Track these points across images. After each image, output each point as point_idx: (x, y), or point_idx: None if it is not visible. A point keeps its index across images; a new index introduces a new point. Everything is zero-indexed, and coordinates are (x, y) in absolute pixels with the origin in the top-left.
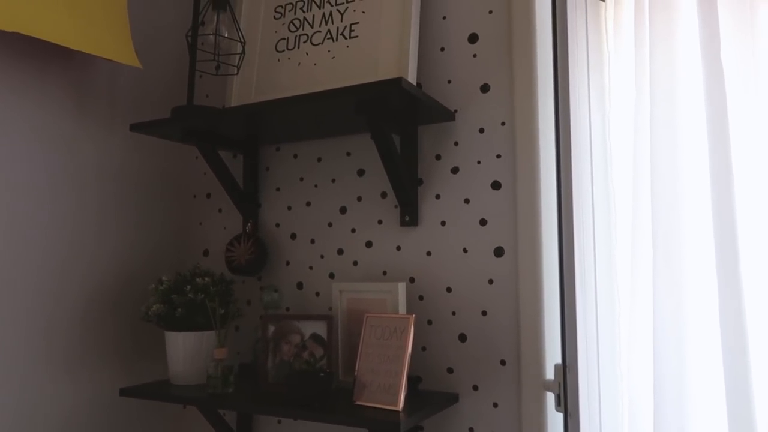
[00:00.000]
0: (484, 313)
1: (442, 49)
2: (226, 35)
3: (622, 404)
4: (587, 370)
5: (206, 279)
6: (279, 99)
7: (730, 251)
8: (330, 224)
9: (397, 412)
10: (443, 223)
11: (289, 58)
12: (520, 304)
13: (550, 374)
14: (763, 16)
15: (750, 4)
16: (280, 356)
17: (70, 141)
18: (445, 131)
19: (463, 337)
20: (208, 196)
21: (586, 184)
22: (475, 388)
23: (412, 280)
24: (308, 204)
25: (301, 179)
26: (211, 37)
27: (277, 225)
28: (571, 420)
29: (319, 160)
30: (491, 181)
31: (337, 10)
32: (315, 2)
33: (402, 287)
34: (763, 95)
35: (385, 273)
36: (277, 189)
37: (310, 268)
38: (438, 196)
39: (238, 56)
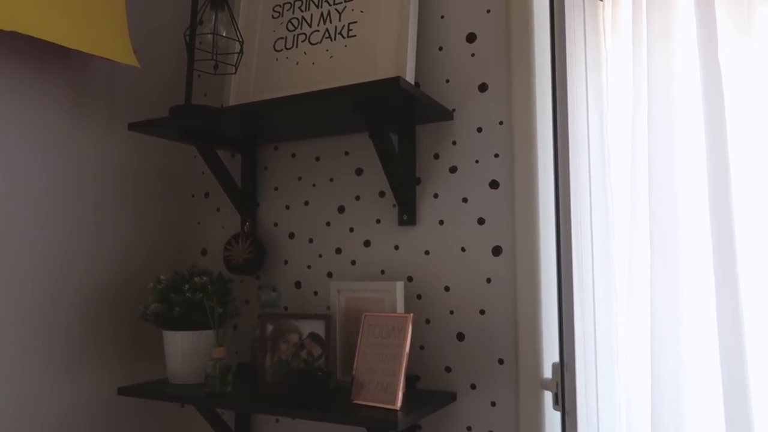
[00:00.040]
0: (482, 312)
1: (440, 49)
2: (224, 34)
3: (619, 403)
4: (585, 369)
5: (204, 278)
6: (277, 98)
7: (728, 251)
8: (328, 223)
9: (395, 411)
10: (441, 223)
11: (287, 58)
12: (518, 303)
13: (547, 373)
14: (761, 15)
15: (747, 4)
16: (278, 355)
17: (68, 140)
18: (443, 130)
19: (461, 336)
20: (207, 195)
21: (584, 184)
22: (473, 386)
23: (410, 279)
24: (306, 203)
25: (300, 178)
26: (210, 37)
27: (276, 224)
28: (569, 419)
29: (318, 159)
30: (489, 181)
31: (336, 9)
32: (313, 1)
33: (400, 286)
34: (760, 95)
35: (383, 272)
36: (276, 188)
37: (309, 267)
38: (436, 196)
39: (236, 55)
